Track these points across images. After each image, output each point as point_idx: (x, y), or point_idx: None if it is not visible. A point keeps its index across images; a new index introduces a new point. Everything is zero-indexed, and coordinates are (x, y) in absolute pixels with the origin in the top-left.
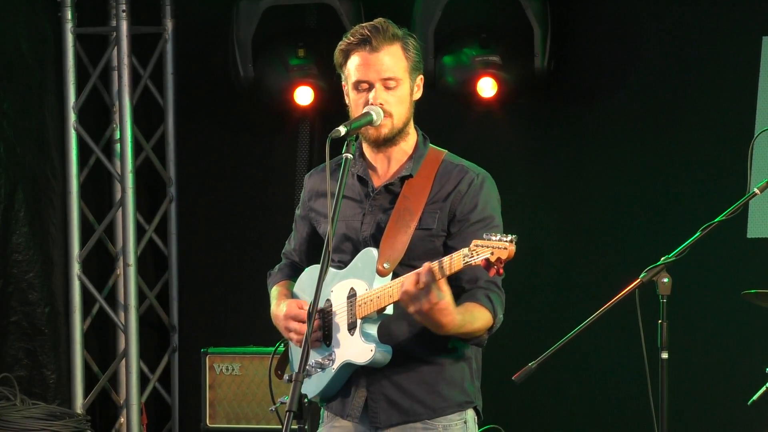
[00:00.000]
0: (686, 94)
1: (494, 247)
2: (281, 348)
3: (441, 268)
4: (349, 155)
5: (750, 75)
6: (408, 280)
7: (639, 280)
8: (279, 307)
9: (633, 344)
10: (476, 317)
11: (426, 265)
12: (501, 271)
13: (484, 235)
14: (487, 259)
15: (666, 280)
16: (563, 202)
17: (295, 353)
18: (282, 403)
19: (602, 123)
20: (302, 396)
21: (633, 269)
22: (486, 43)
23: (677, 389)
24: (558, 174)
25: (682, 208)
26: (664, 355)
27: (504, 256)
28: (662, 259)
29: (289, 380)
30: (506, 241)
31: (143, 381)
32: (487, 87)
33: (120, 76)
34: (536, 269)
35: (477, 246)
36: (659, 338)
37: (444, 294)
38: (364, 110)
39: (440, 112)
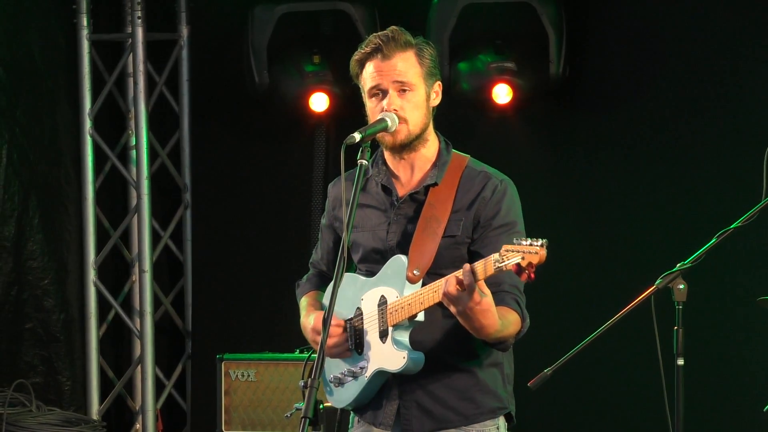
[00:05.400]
0: (702, 100)
1: (525, 251)
2: (306, 354)
3: (474, 272)
4: (364, 161)
5: (767, 81)
6: (449, 281)
7: (655, 286)
8: (308, 318)
9: (648, 351)
10: (510, 322)
11: (466, 266)
12: (533, 275)
13: (515, 240)
14: (518, 264)
15: (682, 286)
16: (578, 209)
17: (326, 362)
18: (297, 409)
19: (617, 129)
20: (318, 402)
21: (649, 275)
22: (501, 49)
23: (693, 396)
24: (573, 180)
25: (699, 214)
26: (680, 362)
27: (535, 260)
28: (678, 265)
29: (305, 387)
30: (537, 246)
31: (159, 387)
32: (502, 93)
33: (135, 83)
34: (551, 275)
35: (507, 251)
36: (675, 345)
37: (486, 295)
38: (379, 117)
39: (455, 119)
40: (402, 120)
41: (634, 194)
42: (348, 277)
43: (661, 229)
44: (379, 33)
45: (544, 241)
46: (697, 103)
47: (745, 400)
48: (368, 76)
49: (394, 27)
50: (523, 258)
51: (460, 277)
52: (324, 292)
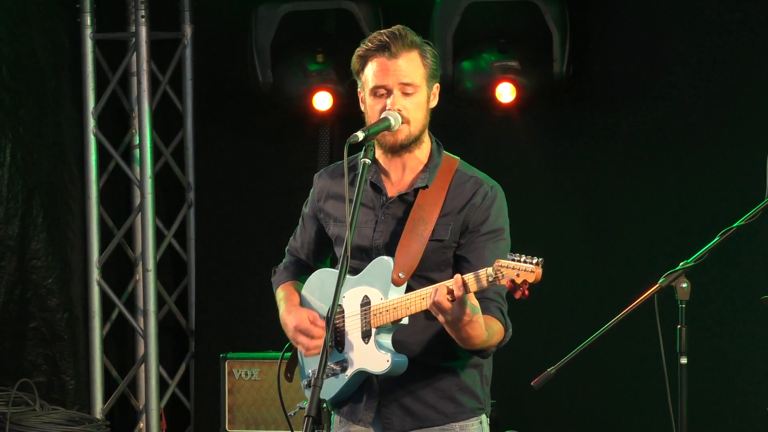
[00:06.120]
0: (705, 99)
1: (521, 269)
2: (288, 354)
3: (465, 284)
4: (368, 161)
5: None
6: (439, 291)
7: (658, 285)
8: (289, 315)
9: (652, 349)
10: (495, 332)
11: (458, 277)
12: (527, 293)
13: (509, 256)
14: (513, 281)
15: (685, 285)
16: (581, 207)
17: (305, 358)
18: (301, 408)
19: (621, 128)
20: (321, 401)
21: (652, 274)
22: (505, 48)
23: (696, 394)
24: (576, 179)
25: (702, 213)
26: (683, 361)
27: (531, 279)
28: (681, 264)
29: (308, 386)
30: (533, 264)
31: (162, 386)
32: (505, 92)
33: (139, 82)
34: (554, 274)
35: (502, 267)
36: (678, 343)
37: (477, 308)
38: (382, 116)
39: (459, 118)
40: (405, 120)
41: (638, 193)
42: (329, 272)
43: (665, 228)
44: (385, 30)
45: (540, 259)
46: (700, 102)
47: (748, 398)
48: (372, 73)
49: (400, 26)
50: (518, 275)
51: (451, 287)
52: (302, 282)
